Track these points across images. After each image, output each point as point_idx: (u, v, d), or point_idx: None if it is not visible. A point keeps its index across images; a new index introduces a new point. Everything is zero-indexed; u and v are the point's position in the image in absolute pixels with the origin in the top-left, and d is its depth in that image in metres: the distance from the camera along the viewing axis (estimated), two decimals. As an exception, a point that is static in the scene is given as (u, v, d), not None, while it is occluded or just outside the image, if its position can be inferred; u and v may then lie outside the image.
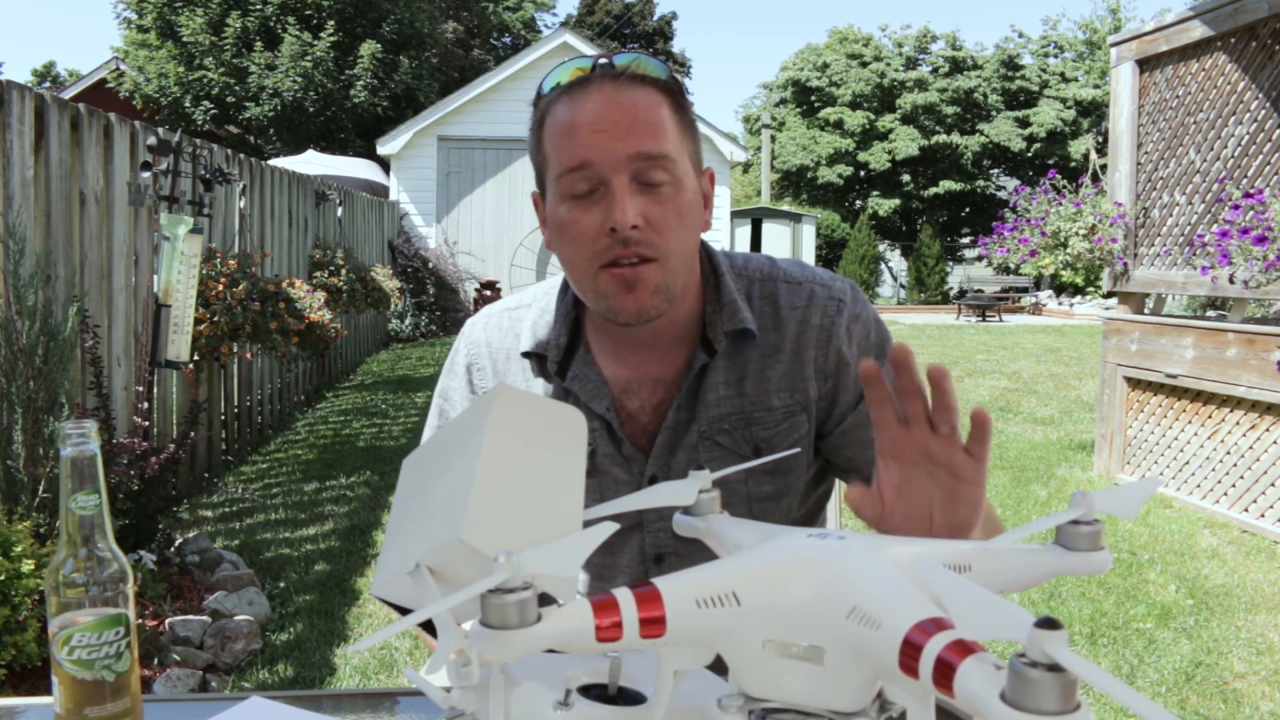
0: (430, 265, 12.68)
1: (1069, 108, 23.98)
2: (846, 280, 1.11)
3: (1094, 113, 23.74)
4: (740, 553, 0.60)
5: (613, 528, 0.53)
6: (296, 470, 5.29)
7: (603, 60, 0.98)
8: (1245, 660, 2.98)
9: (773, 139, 25.06)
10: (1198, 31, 4.71)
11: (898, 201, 24.52)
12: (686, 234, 0.99)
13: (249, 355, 5.39)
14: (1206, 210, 4.69)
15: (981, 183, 24.57)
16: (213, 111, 15.79)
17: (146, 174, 3.80)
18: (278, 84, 15.22)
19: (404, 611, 0.72)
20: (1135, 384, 5.10)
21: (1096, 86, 23.70)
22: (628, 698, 0.61)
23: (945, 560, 0.57)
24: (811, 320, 1.07)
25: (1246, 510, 4.32)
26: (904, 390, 0.79)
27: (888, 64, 25.49)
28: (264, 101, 15.45)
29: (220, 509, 4.50)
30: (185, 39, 15.31)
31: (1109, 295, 9.75)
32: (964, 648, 0.44)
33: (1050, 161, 22.52)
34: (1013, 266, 5.79)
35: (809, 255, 19.04)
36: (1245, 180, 4.45)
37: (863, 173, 25.18)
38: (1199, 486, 4.63)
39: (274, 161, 8.78)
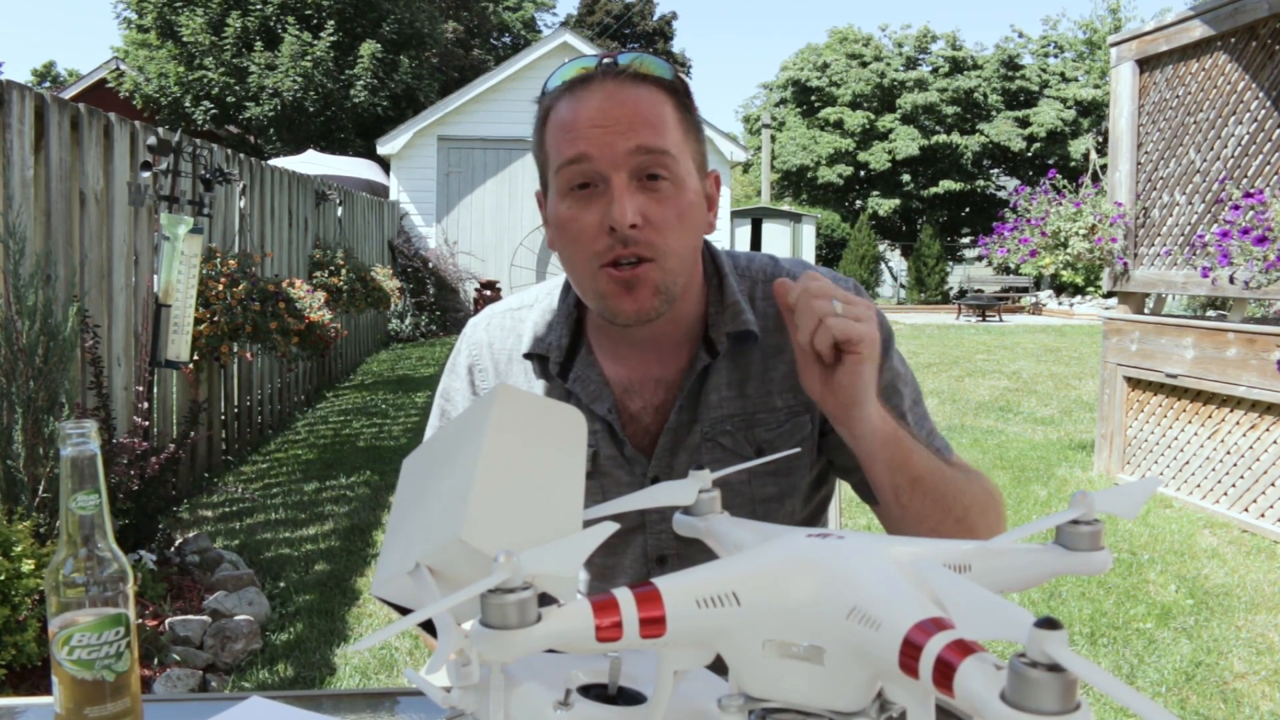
0: (430, 265, 12.67)
1: (1069, 108, 23.98)
2: (850, 280, 1.10)
3: (1094, 113, 23.73)
4: (740, 553, 0.60)
5: (613, 528, 0.53)
6: (296, 470, 5.29)
7: (606, 59, 0.98)
8: (1245, 660, 2.98)
9: (773, 139, 25.04)
10: (1198, 31, 4.70)
11: (898, 201, 24.51)
12: (687, 234, 0.98)
13: (249, 355, 5.39)
14: (1206, 210, 4.69)
15: (981, 183, 24.57)
16: (213, 111, 15.79)
17: (146, 174, 3.81)
18: (278, 84, 15.22)
19: (404, 611, 0.71)
20: (1135, 384, 5.10)
21: (1096, 86, 23.70)
22: (628, 698, 0.61)
23: (945, 560, 0.57)
24: None
25: (1246, 510, 4.32)
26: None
27: (888, 64, 25.48)
28: (264, 101, 15.45)
29: (220, 509, 4.49)
30: (185, 39, 15.31)
31: (1109, 295, 9.74)
32: (964, 648, 0.44)
33: (1050, 161, 22.52)
34: (1013, 266, 5.78)
35: (809, 255, 19.03)
36: (1245, 180, 4.45)
37: (863, 173, 25.17)
38: (1199, 486, 4.62)
39: (274, 161, 8.77)
